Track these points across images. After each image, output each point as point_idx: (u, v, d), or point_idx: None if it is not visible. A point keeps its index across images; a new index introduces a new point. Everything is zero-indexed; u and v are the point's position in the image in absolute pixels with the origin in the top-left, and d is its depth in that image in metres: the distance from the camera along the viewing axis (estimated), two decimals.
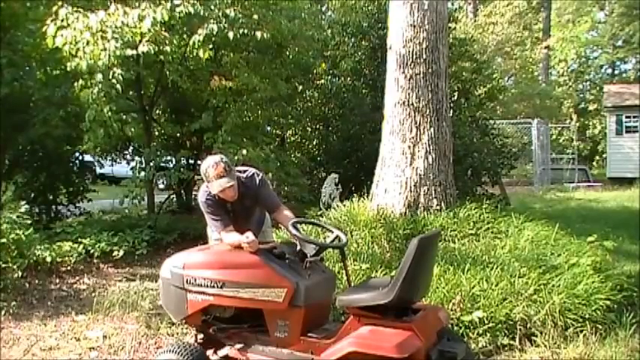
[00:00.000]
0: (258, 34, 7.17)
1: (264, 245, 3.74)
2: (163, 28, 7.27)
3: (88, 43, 6.82)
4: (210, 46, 7.62)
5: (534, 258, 5.20)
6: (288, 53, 9.38)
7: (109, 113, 7.04)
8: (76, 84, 7.35)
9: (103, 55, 6.80)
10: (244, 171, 4.01)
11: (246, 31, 7.28)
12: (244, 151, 7.45)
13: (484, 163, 9.28)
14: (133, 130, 7.26)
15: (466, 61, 10.56)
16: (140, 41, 7.01)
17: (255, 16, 7.57)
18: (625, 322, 4.53)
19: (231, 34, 7.10)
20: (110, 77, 6.97)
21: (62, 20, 6.87)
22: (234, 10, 7.26)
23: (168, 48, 7.25)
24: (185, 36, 7.47)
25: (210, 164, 3.75)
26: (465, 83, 10.37)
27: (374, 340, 3.17)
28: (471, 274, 4.90)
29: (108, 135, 7.48)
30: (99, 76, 6.99)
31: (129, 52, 6.92)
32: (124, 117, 7.15)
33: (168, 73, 8.26)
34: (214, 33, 7.05)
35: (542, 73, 27.77)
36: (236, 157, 7.31)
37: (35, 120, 8.32)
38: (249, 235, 3.62)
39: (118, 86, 7.08)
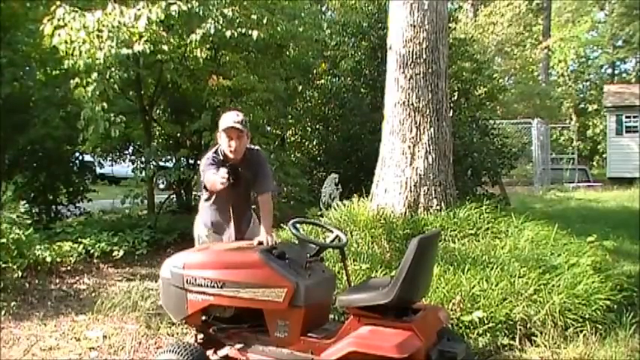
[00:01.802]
0: (255, 33, 7.17)
1: (264, 245, 3.73)
2: (161, 28, 7.27)
3: (83, 42, 6.82)
4: (209, 46, 7.61)
5: (534, 258, 5.20)
6: (288, 53, 9.37)
7: (101, 113, 7.04)
8: (72, 81, 7.36)
9: (99, 54, 6.80)
10: (252, 147, 4.16)
11: (244, 30, 7.27)
12: None
13: (484, 163, 9.28)
14: (118, 132, 7.24)
15: (466, 61, 10.55)
16: (138, 40, 7.01)
17: (254, 16, 7.57)
18: (625, 322, 4.53)
19: (228, 34, 7.10)
20: (107, 77, 6.96)
21: (59, 19, 6.88)
22: (232, 9, 7.26)
23: (165, 47, 7.24)
24: (185, 36, 7.48)
25: (228, 112, 4.01)
26: (465, 83, 10.37)
27: (374, 340, 3.17)
28: (471, 274, 4.90)
29: (107, 135, 7.48)
30: (94, 75, 6.99)
31: (124, 51, 6.92)
32: (114, 118, 7.13)
33: (166, 72, 8.26)
34: (212, 32, 7.05)
35: (542, 73, 27.77)
36: None
37: (36, 120, 8.32)
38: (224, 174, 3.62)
39: (115, 86, 7.08)
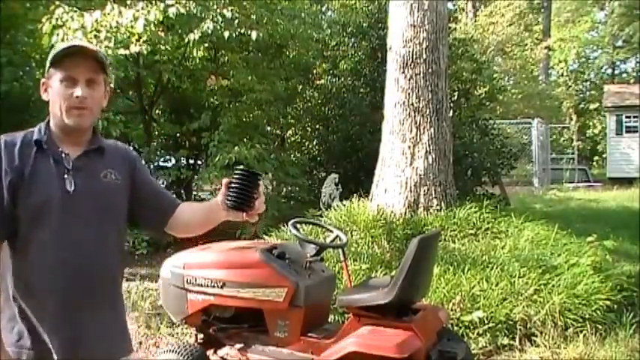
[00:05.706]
0: (254, 34, 7.17)
1: (264, 245, 3.74)
2: (160, 28, 7.27)
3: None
4: (208, 46, 7.62)
5: (534, 258, 5.20)
6: (287, 53, 9.37)
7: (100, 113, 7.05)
8: None
9: None
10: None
11: (242, 30, 7.28)
12: (236, 148, 7.42)
13: (484, 163, 9.28)
14: (117, 132, 7.27)
15: (466, 61, 10.55)
16: (136, 41, 7.00)
17: (253, 17, 7.57)
18: (625, 322, 4.53)
19: (226, 34, 7.10)
20: None
21: (57, 19, 6.88)
22: (232, 9, 7.26)
23: (163, 47, 7.24)
24: (185, 35, 7.49)
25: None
26: (465, 83, 10.36)
27: (374, 340, 3.16)
28: (471, 274, 4.90)
29: (107, 135, 7.49)
30: None
31: (122, 51, 6.91)
32: (113, 117, 7.15)
33: (165, 73, 8.26)
34: (210, 32, 7.05)
35: (542, 73, 27.76)
36: (230, 155, 7.32)
37: (35, 120, 8.32)
38: None
39: (112, 85, 7.08)
